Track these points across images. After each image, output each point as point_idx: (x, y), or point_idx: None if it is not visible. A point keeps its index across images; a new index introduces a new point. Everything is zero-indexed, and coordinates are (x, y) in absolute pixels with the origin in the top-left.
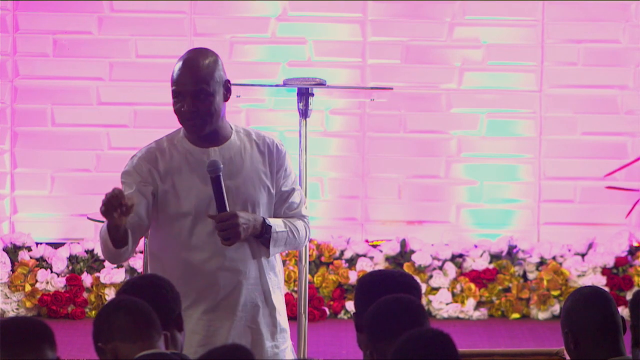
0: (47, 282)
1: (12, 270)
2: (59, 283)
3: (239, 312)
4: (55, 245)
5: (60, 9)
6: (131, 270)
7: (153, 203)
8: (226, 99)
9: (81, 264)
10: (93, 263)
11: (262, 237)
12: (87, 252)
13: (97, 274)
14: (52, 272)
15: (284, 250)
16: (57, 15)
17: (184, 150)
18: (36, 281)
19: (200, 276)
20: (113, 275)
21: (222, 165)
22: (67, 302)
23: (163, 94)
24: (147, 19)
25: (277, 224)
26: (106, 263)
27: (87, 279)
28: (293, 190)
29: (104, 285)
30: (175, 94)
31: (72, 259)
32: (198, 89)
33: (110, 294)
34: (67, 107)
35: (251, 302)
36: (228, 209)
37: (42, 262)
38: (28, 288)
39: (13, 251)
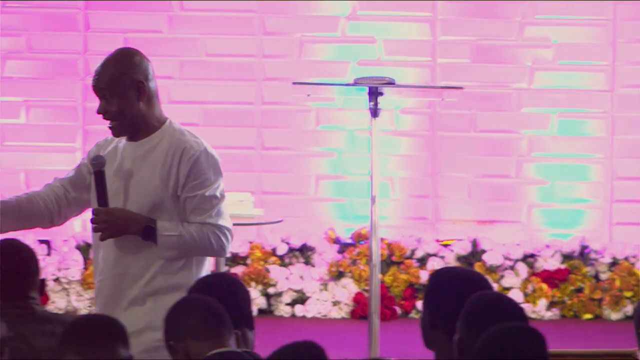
0: None
1: (85, 268)
2: None
3: (124, 304)
4: None
5: (131, 7)
6: None
7: (89, 182)
8: (139, 98)
9: None
10: None
11: (147, 239)
12: None
13: None
14: None
15: (183, 255)
16: (128, 14)
17: (118, 141)
18: None
19: (96, 260)
20: None
21: (105, 161)
22: None
23: (233, 92)
24: (216, 17)
25: (166, 228)
26: None
27: None
28: (196, 196)
29: None
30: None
31: None
32: (102, 88)
33: None
34: None
35: (135, 297)
36: (108, 204)
37: None
38: None
39: (85, 249)
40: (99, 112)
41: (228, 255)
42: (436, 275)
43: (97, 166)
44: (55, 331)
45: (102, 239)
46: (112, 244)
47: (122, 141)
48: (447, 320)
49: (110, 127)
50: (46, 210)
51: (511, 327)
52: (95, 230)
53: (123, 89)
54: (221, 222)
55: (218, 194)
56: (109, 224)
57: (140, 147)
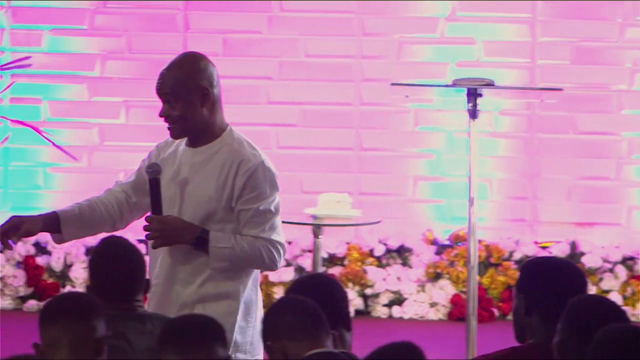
0: None
1: None
2: None
3: (174, 309)
4: None
5: (231, 8)
6: (299, 269)
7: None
8: (203, 104)
9: None
10: None
11: (199, 249)
12: None
13: (265, 273)
14: None
15: (234, 267)
16: (227, 15)
17: (179, 144)
18: None
19: (153, 264)
20: (282, 274)
21: (160, 169)
22: None
23: (332, 94)
24: (316, 18)
25: (219, 239)
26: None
27: None
28: (251, 209)
29: (273, 284)
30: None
31: None
32: (167, 92)
33: (279, 293)
34: (236, 105)
35: (184, 303)
36: (162, 211)
37: None
38: None
39: None
40: (161, 115)
41: (325, 255)
42: (531, 263)
43: (152, 174)
44: (154, 331)
45: (155, 247)
46: (166, 250)
47: (182, 145)
48: (543, 306)
49: (169, 128)
50: (108, 215)
51: (627, 328)
52: (147, 237)
53: (187, 94)
54: (274, 236)
55: (272, 208)
56: (162, 233)
57: (199, 154)
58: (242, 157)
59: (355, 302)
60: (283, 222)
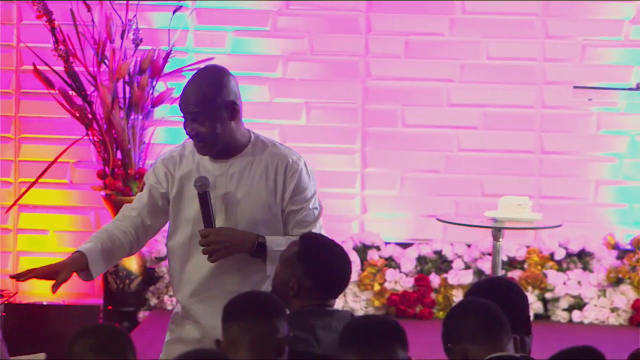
0: (396, 282)
1: (362, 269)
2: (407, 283)
3: None
4: (404, 245)
5: (412, 10)
6: (479, 272)
7: (163, 205)
8: (231, 118)
9: (429, 264)
10: (441, 264)
11: (256, 255)
12: (435, 252)
13: (444, 275)
14: (400, 271)
15: None
16: (409, 17)
17: (198, 159)
18: (385, 280)
19: (194, 279)
20: (461, 276)
21: (209, 182)
22: (415, 302)
23: (513, 96)
24: (498, 20)
25: (275, 243)
26: (454, 264)
27: (435, 280)
28: (302, 209)
29: (452, 287)
30: (182, 114)
31: (421, 259)
32: (195, 111)
33: (457, 296)
34: (418, 108)
35: None
36: (215, 224)
37: (390, 262)
38: (377, 287)
39: (362, 250)
40: (188, 133)
41: (504, 259)
42: None
43: (201, 187)
44: (340, 328)
45: (214, 260)
46: (209, 263)
47: (203, 159)
48: None
49: (198, 147)
50: (127, 242)
51: None
52: (205, 252)
53: (216, 111)
54: (323, 232)
55: (318, 205)
56: (221, 244)
57: (235, 165)
58: (286, 160)
59: (534, 306)
60: (463, 224)
